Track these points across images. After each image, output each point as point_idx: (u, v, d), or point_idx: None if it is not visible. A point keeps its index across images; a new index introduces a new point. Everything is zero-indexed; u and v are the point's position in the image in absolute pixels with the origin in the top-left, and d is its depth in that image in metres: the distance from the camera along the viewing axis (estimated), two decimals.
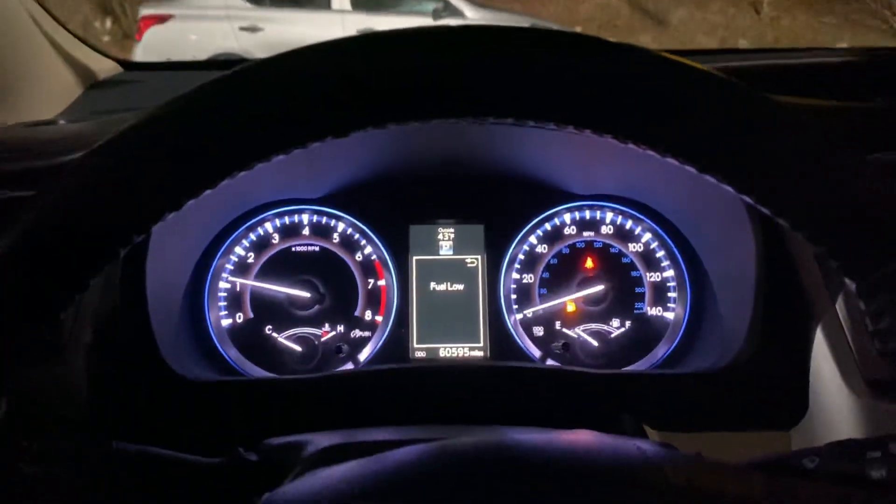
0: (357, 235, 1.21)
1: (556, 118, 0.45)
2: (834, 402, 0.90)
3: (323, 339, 1.17)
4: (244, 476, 0.64)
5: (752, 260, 0.98)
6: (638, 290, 1.20)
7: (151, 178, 0.44)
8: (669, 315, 1.19)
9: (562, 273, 1.20)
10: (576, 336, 1.17)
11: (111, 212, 0.45)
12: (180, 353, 1.05)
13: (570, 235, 1.22)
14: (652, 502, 0.38)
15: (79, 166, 0.45)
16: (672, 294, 1.19)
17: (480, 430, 0.82)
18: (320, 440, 0.70)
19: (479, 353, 1.18)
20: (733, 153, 0.45)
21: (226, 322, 1.18)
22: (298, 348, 1.16)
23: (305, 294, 1.17)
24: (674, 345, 1.17)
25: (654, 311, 1.19)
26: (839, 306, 0.93)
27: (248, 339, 1.17)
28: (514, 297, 1.20)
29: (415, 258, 1.20)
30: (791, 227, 0.45)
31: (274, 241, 1.21)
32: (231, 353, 1.16)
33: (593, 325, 1.18)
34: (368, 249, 1.21)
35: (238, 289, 1.19)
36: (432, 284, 1.20)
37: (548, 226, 1.22)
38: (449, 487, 0.39)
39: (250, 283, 1.18)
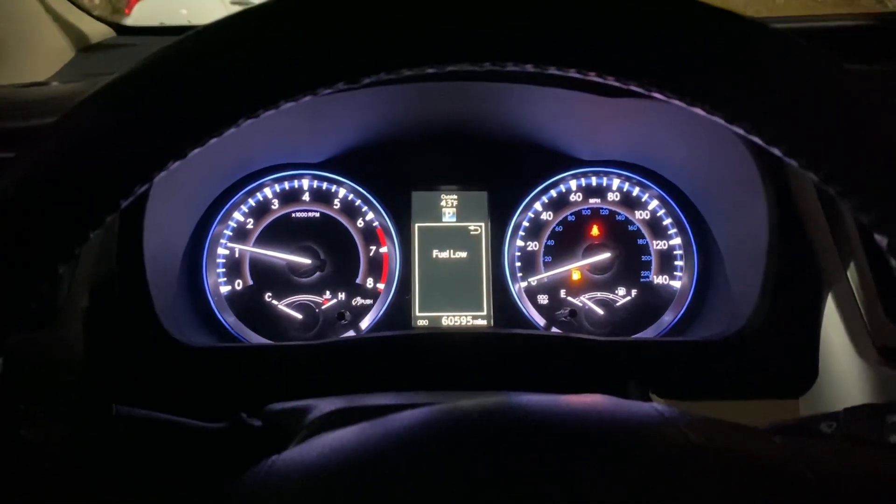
0: (358, 201, 1.19)
1: (548, 56, 0.41)
2: (844, 369, 0.88)
3: (324, 307, 1.15)
4: (248, 441, 0.63)
5: (763, 226, 0.97)
6: (644, 258, 1.18)
7: (154, 124, 0.41)
8: (676, 283, 1.17)
9: (567, 240, 1.18)
10: (581, 304, 1.16)
11: (111, 159, 0.42)
12: (178, 319, 1.03)
13: (576, 202, 1.20)
14: (672, 460, 0.37)
15: (76, 113, 0.42)
16: (679, 262, 1.17)
17: (487, 396, 0.80)
18: (324, 405, 0.68)
19: (483, 322, 1.16)
20: (761, 99, 0.42)
21: (225, 289, 1.16)
22: (299, 316, 1.14)
23: (306, 261, 1.15)
24: (681, 313, 1.15)
25: (660, 280, 1.17)
26: (850, 273, 0.91)
27: (248, 306, 1.15)
28: (518, 264, 1.18)
29: (417, 225, 1.18)
30: (803, 167, 0.42)
31: (273, 207, 1.18)
32: (230, 320, 1.14)
33: (599, 294, 1.17)
34: (370, 216, 1.19)
35: (237, 255, 1.17)
36: (435, 252, 1.18)
37: (553, 192, 1.20)
38: (460, 449, 0.38)
39: (249, 249, 1.15)
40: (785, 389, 0.95)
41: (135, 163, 0.42)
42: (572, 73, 0.41)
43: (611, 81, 0.42)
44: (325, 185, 1.19)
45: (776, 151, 0.42)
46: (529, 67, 0.42)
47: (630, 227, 1.19)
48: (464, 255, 1.18)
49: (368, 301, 1.17)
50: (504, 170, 1.17)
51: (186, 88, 0.41)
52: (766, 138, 0.43)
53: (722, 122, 0.42)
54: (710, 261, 1.14)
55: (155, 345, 0.92)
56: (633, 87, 0.41)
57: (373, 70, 0.42)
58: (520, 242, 1.19)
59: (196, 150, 0.44)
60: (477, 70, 0.42)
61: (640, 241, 1.18)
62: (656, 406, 0.43)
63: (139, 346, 0.92)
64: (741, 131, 0.43)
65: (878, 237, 0.43)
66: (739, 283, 1.04)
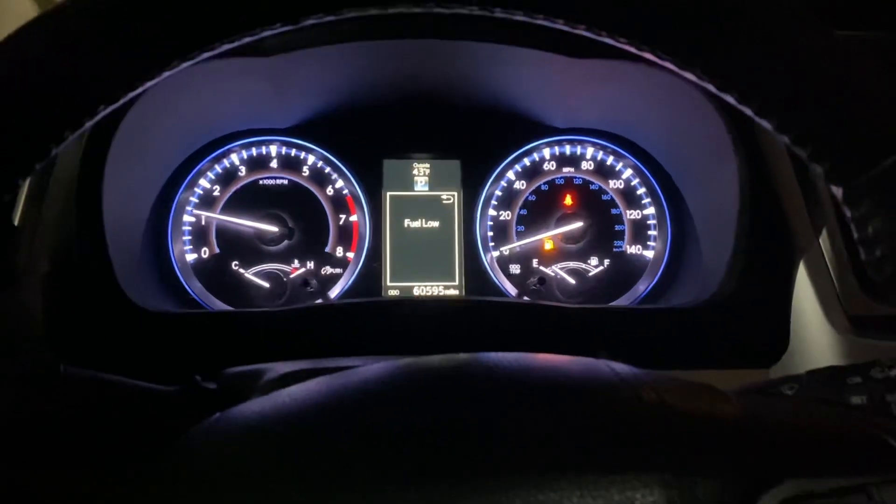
0: (328, 169, 1.16)
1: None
2: (815, 338, 0.88)
3: (292, 276, 1.13)
4: (200, 403, 0.62)
5: (734, 195, 0.96)
6: (618, 227, 1.17)
7: (80, 64, 0.38)
8: (649, 253, 1.16)
9: (540, 210, 1.17)
10: (553, 274, 1.14)
11: (39, 101, 0.39)
12: (141, 285, 1.01)
13: (550, 171, 1.18)
14: (623, 418, 0.36)
15: (36, 26, 0.39)
16: (652, 232, 1.16)
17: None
18: (282, 367, 0.66)
19: (455, 292, 1.15)
20: (735, 55, 0.39)
21: (190, 257, 1.13)
22: (266, 284, 1.12)
23: (273, 229, 1.13)
24: (653, 282, 1.14)
25: (633, 249, 1.16)
26: (823, 241, 0.90)
27: (214, 274, 1.13)
28: (490, 234, 1.17)
29: (388, 194, 1.16)
30: (775, 129, 0.41)
31: (240, 174, 1.16)
32: (196, 288, 1.12)
33: (571, 264, 1.15)
34: (340, 184, 1.16)
35: (203, 223, 1.14)
36: (406, 221, 1.16)
37: (526, 161, 1.18)
38: (409, 402, 0.37)
39: (216, 216, 1.13)
40: (755, 359, 0.94)
41: (65, 103, 0.39)
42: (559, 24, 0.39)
43: (580, 30, 0.39)
44: (293, 152, 1.16)
45: (748, 111, 0.41)
46: (499, 12, 0.39)
47: (604, 197, 1.17)
48: (436, 224, 1.16)
49: (338, 270, 1.15)
50: (477, 138, 1.15)
51: (114, 26, 0.38)
52: (737, 96, 0.41)
53: (693, 77, 0.40)
54: (683, 230, 1.14)
55: (115, 310, 0.89)
56: (595, 32, 0.39)
57: (313, 10, 0.39)
58: (492, 212, 1.17)
59: (129, 95, 0.41)
60: (424, 13, 0.39)
61: (614, 211, 1.17)
62: (610, 364, 0.41)
63: (99, 311, 0.89)
64: (714, 89, 0.41)
65: (832, 188, 0.41)
66: (711, 252, 1.04)
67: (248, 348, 0.88)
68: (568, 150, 1.18)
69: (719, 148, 0.97)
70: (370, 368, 0.40)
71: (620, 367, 0.41)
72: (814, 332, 0.88)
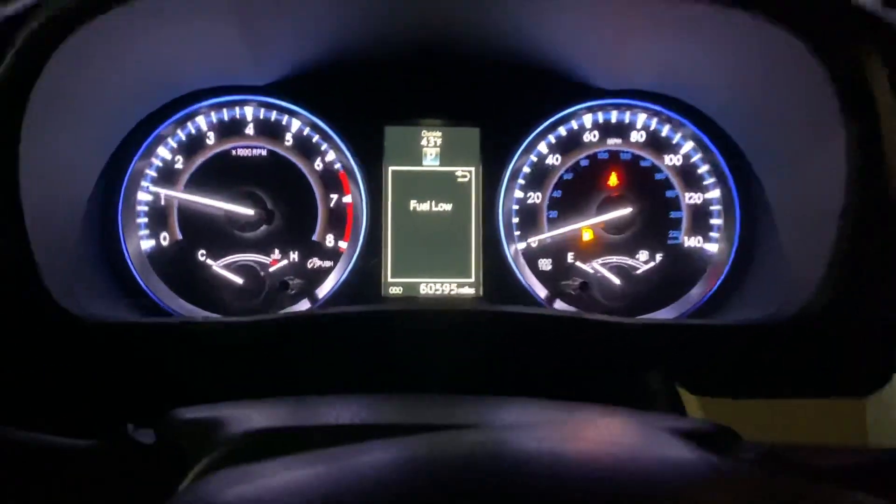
0: (316, 137, 0.97)
1: None
2: None
3: (271, 270, 0.95)
4: (132, 465, 0.52)
5: (837, 180, 0.75)
6: (673, 214, 0.97)
7: None
8: (712, 247, 0.97)
9: (578, 192, 0.98)
10: (593, 272, 0.95)
11: None
12: (79, 284, 0.83)
13: (591, 144, 0.98)
14: None
15: None
16: (716, 220, 0.97)
17: (471, 408, 0.60)
18: (238, 420, 0.51)
19: (470, 291, 0.97)
20: None
21: (146, 245, 0.95)
22: (239, 280, 0.94)
23: (248, 211, 0.94)
24: (716, 285, 0.96)
25: (692, 242, 0.97)
26: None
27: (176, 267, 0.95)
28: (515, 220, 0.98)
29: (390, 169, 0.97)
30: None
31: (209, 142, 0.96)
32: (153, 285, 0.94)
33: (615, 259, 0.97)
34: (331, 155, 0.97)
35: (162, 202, 0.96)
36: (412, 203, 0.97)
37: (562, 130, 0.98)
38: None
39: (178, 195, 0.95)
40: (850, 386, 0.79)
41: None
42: None
43: None
44: (273, 115, 0.97)
45: None
46: None
47: (657, 176, 0.98)
48: (448, 207, 0.97)
49: (328, 263, 0.96)
50: (500, 101, 0.98)
51: None
52: None
53: None
54: (756, 220, 0.94)
55: (39, 318, 0.72)
56: None
57: None
58: (518, 193, 0.98)
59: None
60: None
61: (669, 194, 0.98)
62: (708, 458, 0.36)
63: (20, 324, 0.72)
64: None
65: None
66: (796, 250, 0.85)
67: (213, 369, 0.75)
68: (614, 116, 0.99)
69: (819, 118, 0.77)
70: (378, 462, 0.34)
71: (722, 462, 0.35)
72: None
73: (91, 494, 0.51)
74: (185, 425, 0.52)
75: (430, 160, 0.97)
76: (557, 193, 0.97)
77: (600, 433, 0.44)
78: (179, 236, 0.95)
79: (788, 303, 0.81)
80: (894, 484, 0.48)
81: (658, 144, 0.97)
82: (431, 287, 0.96)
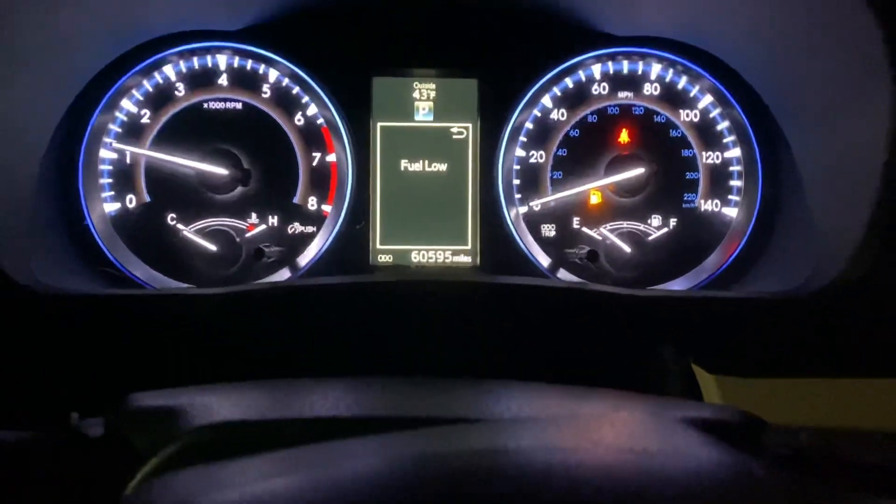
0: (297, 89, 0.89)
1: None
2: None
3: (248, 235, 0.88)
4: (75, 460, 0.47)
5: (879, 139, 0.68)
6: (690, 175, 0.90)
7: None
8: (731, 212, 0.90)
9: (585, 150, 0.91)
10: (601, 238, 0.87)
11: None
12: (34, 251, 0.76)
13: (599, 97, 0.91)
14: None
15: None
16: (737, 182, 0.90)
17: (469, 396, 0.53)
18: (195, 409, 0.45)
19: (467, 260, 0.90)
20: None
21: (110, 208, 0.88)
22: (213, 247, 0.87)
23: (223, 171, 0.87)
24: (734, 254, 0.89)
25: (709, 206, 0.90)
26: None
27: (143, 232, 0.88)
28: (516, 182, 0.91)
29: (379, 124, 0.90)
30: None
31: (178, 94, 0.89)
32: (118, 252, 0.87)
33: (626, 224, 0.90)
34: (312, 109, 0.89)
35: (128, 161, 0.89)
36: (403, 162, 0.90)
37: (568, 82, 0.90)
38: None
39: (145, 152, 0.88)
40: (887, 365, 0.73)
41: None
42: None
43: None
44: (249, 64, 0.89)
45: None
46: None
47: (672, 133, 0.91)
48: (443, 167, 0.90)
49: (310, 228, 0.90)
50: (500, 49, 0.89)
51: None
52: None
53: None
54: (781, 184, 0.87)
55: None
56: None
57: None
58: (520, 152, 0.91)
59: None
60: None
61: (685, 153, 0.90)
62: (735, 460, 0.33)
63: None
64: None
65: None
66: (828, 217, 0.78)
67: (182, 345, 0.68)
68: (625, 66, 0.91)
69: (859, 67, 0.70)
70: (367, 468, 0.30)
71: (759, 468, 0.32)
72: None
73: (25, 494, 0.47)
74: (139, 414, 0.45)
75: (423, 115, 0.90)
76: (562, 152, 0.90)
77: (614, 435, 0.38)
78: (147, 199, 0.88)
79: (819, 273, 0.76)
80: None
81: (673, 98, 0.90)
82: (424, 255, 0.89)
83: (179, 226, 0.87)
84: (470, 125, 0.89)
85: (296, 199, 0.88)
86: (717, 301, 0.77)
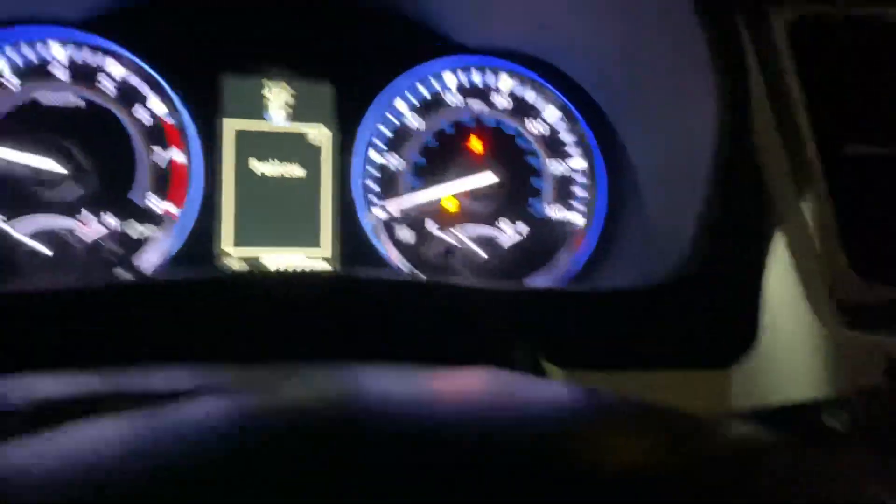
0: (141, 84, 0.84)
1: None
2: (791, 331, 0.72)
3: (83, 235, 0.81)
4: None
5: (704, 143, 0.73)
6: (537, 183, 0.93)
7: None
8: (576, 217, 0.94)
9: (439, 157, 0.92)
10: (456, 243, 0.88)
11: None
12: None
13: (453, 106, 0.92)
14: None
15: None
16: (581, 191, 0.94)
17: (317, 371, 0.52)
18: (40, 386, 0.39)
19: (324, 264, 0.88)
20: None
21: None
22: (46, 249, 0.78)
23: (57, 167, 0.80)
24: (582, 256, 0.93)
25: (556, 212, 0.94)
26: (806, 209, 0.73)
27: None
28: (374, 187, 0.90)
29: (228, 125, 0.86)
30: None
31: (9, 86, 0.81)
32: None
33: (479, 228, 0.91)
34: (157, 106, 0.84)
35: None
36: (256, 165, 0.86)
37: (423, 90, 0.92)
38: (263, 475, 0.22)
39: None
40: (713, 357, 0.77)
41: None
42: None
43: None
44: (87, 56, 0.83)
45: None
46: None
47: (522, 143, 0.94)
48: (298, 171, 0.87)
49: (153, 230, 0.83)
50: (356, 54, 0.89)
51: None
52: None
53: None
54: (621, 189, 0.92)
55: None
56: None
57: None
58: (377, 157, 0.91)
59: None
60: None
61: (534, 162, 0.94)
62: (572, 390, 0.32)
63: None
64: None
65: None
66: (662, 217, 0.83)
67: (14, 346, 0.61)
68: (478, 78, 0.93)
69: (685, 81, 0.75)
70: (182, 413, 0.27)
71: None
72: (790, 324, 0.73)
73: None
74: None
75: (278, 118, 0.87)
76: (417, 158, 0.91)
77: (465, 378, 0.38)
78: None
79: (654, 269, 0.79)
80: None
81: (523, 110, 0.93)
82: (278, 258, 0.86)
83: (7, 227, 0.78)
84: (326, 129, 0.88)
85: (137, 199, 0.82)
86: (560, 295, 0.78)
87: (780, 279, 0.72)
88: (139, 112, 0.83)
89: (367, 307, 0.70)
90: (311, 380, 0.36)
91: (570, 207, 0.93)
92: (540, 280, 0.91)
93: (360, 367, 0.49)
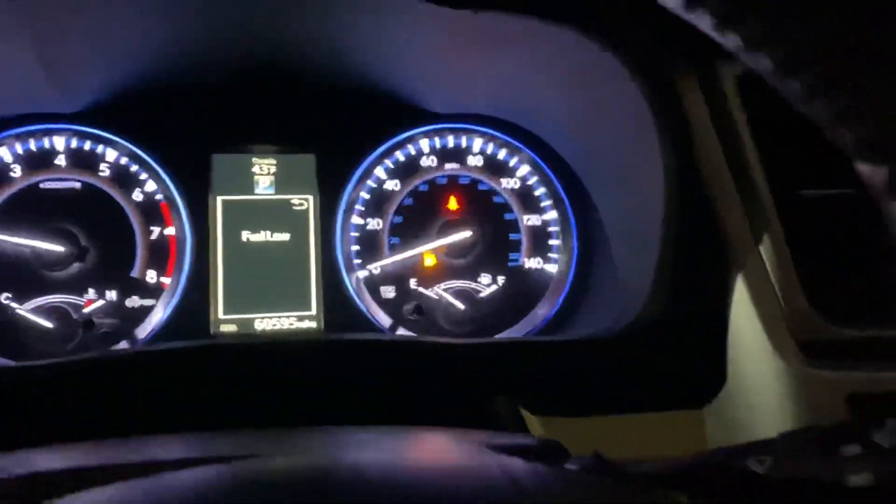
0: (135, 167, 0.90)
1: None
2: (757, 370, 0.74)
3: (85, 311, 0.86)
4: None
5: (658, 193, 0.78)
6: (513, 236, 0.97)
7: None
8: (552, 267, 0.97)
9: (418, 217, 0.96)
10: (437, 297, 0.92)
11: None
12: None
13: (429, 168, 0.97)
14: None
15: None
16: (555, 241, 0.97)
17: (301, 440, 0.56)
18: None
19: (312, 325, 0.91)
20: None
21: None
22: (49, 324, 0.84)
23: (58, 248, 0.86)
24: (558, 304, 0.96)
25: (532, 263, 0.97)
26: (765, 251, 0.76)
27: None
28: (355, 248, 0.94)
29: (220, 199, 0.90)
30: None
31: (14, 175, 0.88)
32: None
33: (458, 283, 0.95)
34: (151, 186, 0.90)
35: None
36: (245, 234, 0.91)
37: (399, 155, 0.96)
38: None
39: None
40: (686, 398, 0.79)
41: None
42: None
43: None
44: (87, 145, 0.90)
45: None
46: None
47: (495, 199, 0.98)
48: (285, 237, 0.92)
49: (149, 301, 0.89)
50: (336, 126, 0.94)
51: None
52: None
53: None
54: (591, 239, 0.95)
55: None
56: None
57: None
58: (358, 220, 0.95)
59: None
60: None
61: (508, 217, 0.97)
62: (506, 464, 0.34)
63: None
64: None
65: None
66: (628, 265, 0.87)
67: (22, 417, 0.65)
68: (451, 141, 0.98)
69: (640, 138, 0.79)
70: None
71: (521, 466, 0.34)
72: (755, 363, 0.75)
73: None
74: None
75: (264, 188, 0.92)
76: (397, 219, 0.95)
77: (416, 449, 0.42)
78: None
79: (623, 315, 0.82)
80: (697, 483, 0.48)
81: (495, 168, 0.98)
82: (268, 322, 0.90)
83: (14, 305, 0.84)
84: (310, 197, 0.92)
85: (134, 273, 0.87)
86: (535, 345, 0.82)
87: (743, 320, 0.75)
88: (134, 192, 0.89)
89: (352, 370, 0.73)
90: (290, 448, 0.39)
91: (546, 258, 0.96)
92: (520, 329, 0.95)
93: (343, 434, 0.53)
